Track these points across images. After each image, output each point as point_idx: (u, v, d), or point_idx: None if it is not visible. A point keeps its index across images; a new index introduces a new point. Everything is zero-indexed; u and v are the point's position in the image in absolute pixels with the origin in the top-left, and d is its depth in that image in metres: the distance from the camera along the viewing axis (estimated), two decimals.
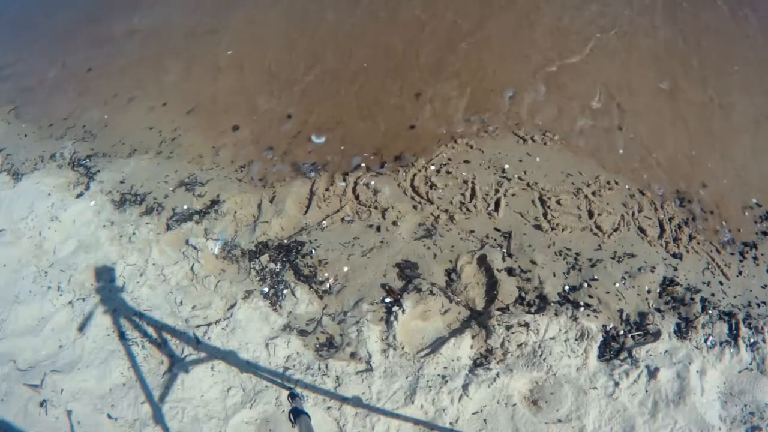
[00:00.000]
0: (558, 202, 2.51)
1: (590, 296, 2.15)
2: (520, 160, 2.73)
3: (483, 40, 3.53)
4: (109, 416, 2.05)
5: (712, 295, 2.15)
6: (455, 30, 3.65)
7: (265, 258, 2.45)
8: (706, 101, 3.01)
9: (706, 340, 2.01)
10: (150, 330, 2.29)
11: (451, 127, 2.97)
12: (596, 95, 3.07)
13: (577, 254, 2.32)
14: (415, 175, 2.73)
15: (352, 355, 2.06)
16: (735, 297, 2.15)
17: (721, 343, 2.00)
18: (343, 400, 1.95)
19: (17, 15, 5.30)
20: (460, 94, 3.17)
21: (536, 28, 3.59)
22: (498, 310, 2.13)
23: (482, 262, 2.31)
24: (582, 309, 2.11)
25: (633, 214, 2.46)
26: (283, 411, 1.96)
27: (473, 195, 2.58)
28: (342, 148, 2.96)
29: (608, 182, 2.59)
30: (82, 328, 2.35)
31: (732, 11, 3.63)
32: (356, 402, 1.94)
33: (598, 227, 2.41)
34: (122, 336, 2.29)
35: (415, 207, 2.58)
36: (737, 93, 3.05)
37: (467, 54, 3.44)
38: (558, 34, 3.52)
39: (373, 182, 2.71)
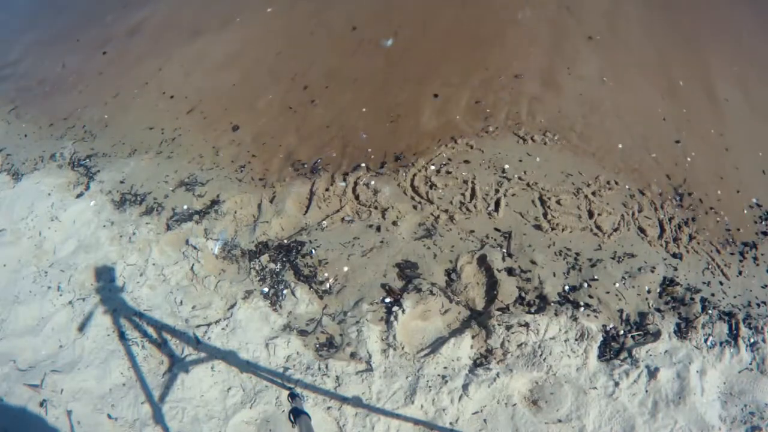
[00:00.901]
0: (558, 202, 2.51)
1: (590, 296, 2.15)
2: (520, 160, 2.73)
3: (482, 38, 3.54)
4: (109, 416, 2.05)
5: (712, 295, 2.15)
6: (454, 27, 3.65)
7: (265, 258, 2.45)
8: (706, 99, 3.01)
9: (706, 340, 2.01)
10: (150, 330, 2.29)
11: (450, 127, 2.98)
12: (597, 95, 3.07)
13: (577, 254, 2.32)
14: (415, 175, 2.73)
15: (352, 355, 2.06)
16: (735, 297, 2.15)
17: (721, 343, 2.00)
18: (343, 400, 1.95)
19: (17, 15, 5.30)
20: (460, 92, 3.17)
21: (537, 25, 3.59)
22: (498, 310, 2.13)
23: (482, 262, 2.31)
24: (582, 309, 2.11)
25: (633, 214, 2.46)
26: (283, 411, 1.96)
27: (473, 195, 2.58)
28: (344, 147, 2.97)
29: (608, 182, 2.59)
30: (82, 328, 2.35)
31: (732, 4, 3.64)
32: (356, 402, 1.94)
33: (598, 227, 2.41)
34: (122, 336, 2.29)
35: (415, 207, 2.58)
36: (737, 90, 3.05)
37: (466, 52, 3.44)
38: (559, 32, 3.52)
39: (373, 182, 2.71)
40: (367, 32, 3.76)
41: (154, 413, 2.03)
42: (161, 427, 2.00)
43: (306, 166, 2.88)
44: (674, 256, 2.29)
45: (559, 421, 1.86)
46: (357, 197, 2.67)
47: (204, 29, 4.17)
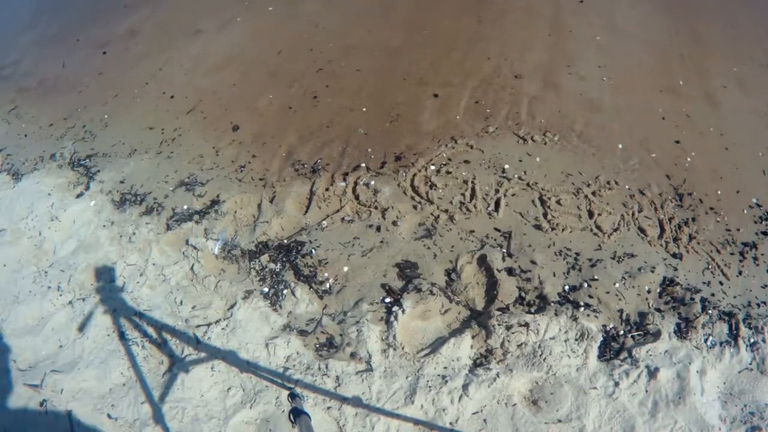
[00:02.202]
0: (558, 202, 2.51)
1: (590, 296, 2.15)
2: (520, 160, 2.73)
3: (483, 39, 3.54)
4: (109, 416, 2.05)
5: (712, 295, 2.15)
6: (455, 27, 3.65)
7: (265, 258, 2.45)
8: (706, 99, 3.01)
9: (706, 340, 2.01)
10: (150, 330, 2.29)
11: (450, 127, 2.98)
12: (597, 95, 3.07)
13: (577, 254, 2.32)
14: (415, 175, 2.73)
15: (352, 355, 2.06)
16: (735, 297, 2.15)
17: (721, 343, 2.00)
18: (343, 400, 1.95)
19: (17, 15, 5.30)
20: (460, 92, 3.17)
21: (537, 27, 3.59)
22: (498, 310, 2.13)
23: (482, 262, 2.31)
24: (582, 309, 2.11)
25: (633, 214, 2.46)
26: (283, 411, 1.96)
27: (473, 195, 2.58)
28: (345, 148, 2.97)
29: (608, 182, 2.59)
30: (82, 328, 2.35)
31: (732, 4, 3.64)
32: (356, 402, 1.94)
33: (598, 227, 2.41)
34: (122, 336, 2.29)
35: (415, 207, 2.58)
36: (737, 90, 3.05)
37: (466, 52, 3.45)
38: (559, 32, 3.52)
39: (373, 182, 2.71)
40: (368, 32, 3.76)
41: (154, 413, 2.03)
42: (161, 427, 2.00)
43: (306, 166, 2.88)
44: (674, 256, 2.29)
45: (559, 421, 1.86)
46: (357, 197, 2.67)
47: (204, 29, 4.17)
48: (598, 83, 3.14)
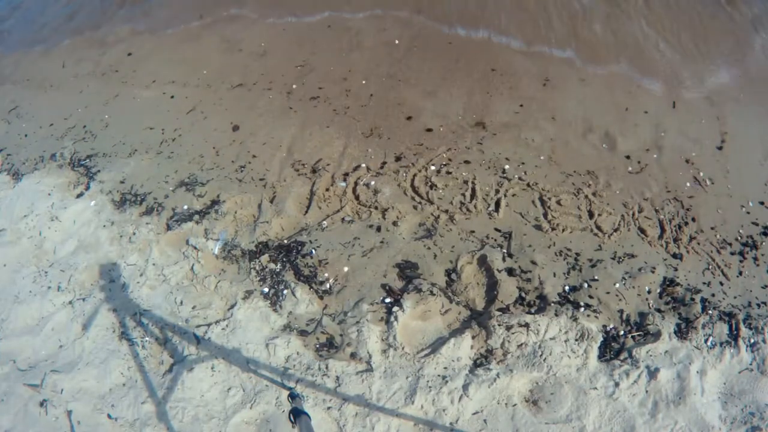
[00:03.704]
0: (558, 203, 2.51)
1: (590, 296, 2.15)
2: (521, 161, 2.73)
3: (484, 42, 3.54)
4: (109, 416, 2.05)
5: (713, 295, 2.15)
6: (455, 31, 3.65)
7: (265, 258, 2.45)
8: (705, 100, 3.01)
9: (706, 341, 2.01)
10: (150, 330, 2.29)
11: (451, 127, 2.98)
12: (596, 94, 3.07)
13: (578, 254, 2.32)
14: (415, 175, 2.73)
15: (352, 355, 2.06)
16: (735, 297, 2.15)
17: (721, 344, 2.00)
18: (344, 400, 1.95)
19: (18, 15, 5.30)
20: (461, 92, 3.17)
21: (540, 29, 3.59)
22: (498, 310, 2.13)
23: (482, 262, 2.31)
24: (582, 309, 2.11)
25: (633, 214, 2.46)
26: (283, 411, 1.96)
27: (473, 195, 2.58)
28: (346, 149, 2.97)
29: (608, 182, 2.59)
30: (82, 328, 2.35)
31: (729, 12, 3.64)
32: (356, 402, 1.94)
33: (599, 227, 2.41)
34: (122, 336, 2.29)
35: (415, 207, 2.58)
36: (736, 91, 3.05)
37: (467, 56, 3.45)
38: (561, 35, 3.52)
39: (373, 182, 2.71)
40: (370, 32, 3.77)
41: (154, 413, 2.03)
42: (161, 426, 2.00)
43: (306, 166, 2.88)
44: (674, 256, 2.29)
45: (560, 421, 1.86)
46: (357, 197, 2.67)
47: (205, 29, 4.17)
48: (599, 83, 3.14)
